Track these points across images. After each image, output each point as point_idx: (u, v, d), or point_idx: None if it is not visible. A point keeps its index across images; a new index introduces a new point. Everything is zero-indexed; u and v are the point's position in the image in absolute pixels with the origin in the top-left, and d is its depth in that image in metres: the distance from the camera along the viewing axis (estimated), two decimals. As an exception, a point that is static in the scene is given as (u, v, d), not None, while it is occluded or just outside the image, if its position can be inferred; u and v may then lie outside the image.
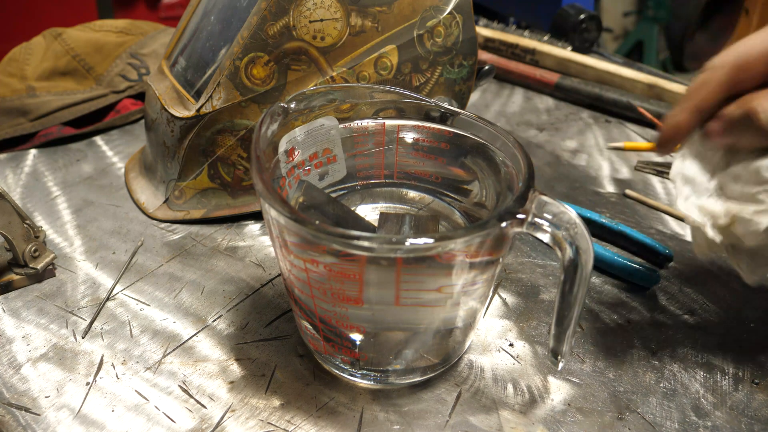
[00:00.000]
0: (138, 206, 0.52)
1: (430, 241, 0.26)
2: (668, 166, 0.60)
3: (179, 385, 0.36)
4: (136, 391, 0.35)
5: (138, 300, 0.42)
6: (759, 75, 0.32)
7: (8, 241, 0.41)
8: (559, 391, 0.36)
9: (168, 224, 0.50)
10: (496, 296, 0.43)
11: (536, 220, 0.29)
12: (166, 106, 0.49)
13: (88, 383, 0.36)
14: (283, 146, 0.35)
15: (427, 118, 0.38)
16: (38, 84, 0.62)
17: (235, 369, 0.37)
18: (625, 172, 0.60)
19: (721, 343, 0.40)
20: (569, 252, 0.29)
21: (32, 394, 0.35)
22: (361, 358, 0.33)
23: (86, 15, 1.44)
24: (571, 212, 0.29)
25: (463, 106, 0.53)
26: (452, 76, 0.51)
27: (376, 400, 0.35)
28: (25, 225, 0.42)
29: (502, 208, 0.29)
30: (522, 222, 0.29)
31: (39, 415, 0.34)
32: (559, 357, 0.34)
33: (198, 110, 0.47)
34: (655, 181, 0.59)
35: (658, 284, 0.44)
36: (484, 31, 0.86)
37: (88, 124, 0.63)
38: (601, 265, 0.45)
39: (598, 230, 0.49)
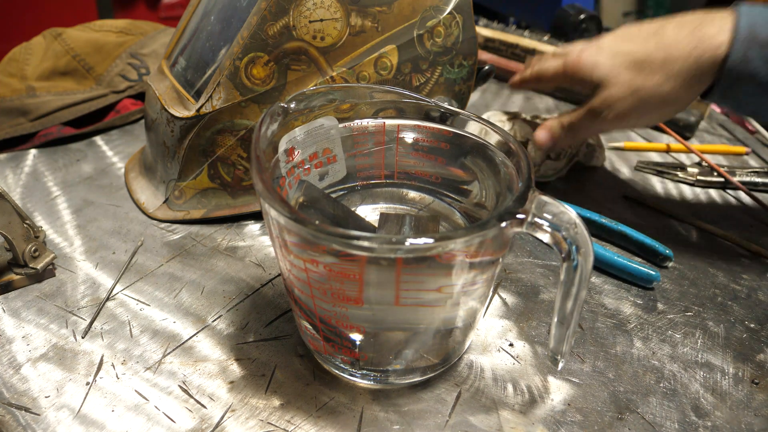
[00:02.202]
0: (138, 206, 0.52)
1: (430, 241, 0.26)
2: (669, 166, 0.60)
3: (179, 385, 0.36)
4: (136, 391, 0.35)
5: (138, 300, 0.42)
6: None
7: (8, 241, 0.41)
8: (559, 391, 0.36)
9: (168, 224, 0.50)
10: (496, 296, 0.43)
11: (536, 220, 0.29)
12: (166, 106, 0.49)
13: (88, 383, 0.36)
14: (283, 146, 0.35)
15: (427, 118, 0.38)
16: (38, 84, 0.62)
17: (235, 369, 0.37)
18: (625, 172, 0.60)
19: (721, 343, 0.40)
20: (569, 252, 0.29)
21: (32, 394, 0.35)
22: (361, 358, 0.33)
23: (86, 15, 1.44)
24: (571, 212, 0.29)
25: (463, 106, 0.53)
26: (452, 76, 0.51)
27: (376, 400, 0.35)
28: (25, 225, 0.42)
29: (502, 208, 0.29)
30: (522, 222, 0.29)
31: (39, 415, 0.34)
32: (559, 357, 0.34)
33: (198, 110, 0.47)
34: (655, 181, 0.59)
35: (658, 284, 0.44)
36: (484, 31, 0.86)
37: (88, 124, 0.63)
38: (601, 265, 0.45)
39: (598, 230, 0.49)
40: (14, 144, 0.60)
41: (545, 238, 0.29)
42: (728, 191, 0.58)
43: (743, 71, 0.40)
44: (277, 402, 0.35)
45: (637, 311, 0.42)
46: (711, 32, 0.41)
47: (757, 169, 0.59)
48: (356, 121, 0.39)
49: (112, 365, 0.37)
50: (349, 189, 0.41)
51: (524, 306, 0.42)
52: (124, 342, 0.38)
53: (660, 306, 0.43)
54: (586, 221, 0.29)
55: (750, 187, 0.57)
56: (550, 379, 0.37)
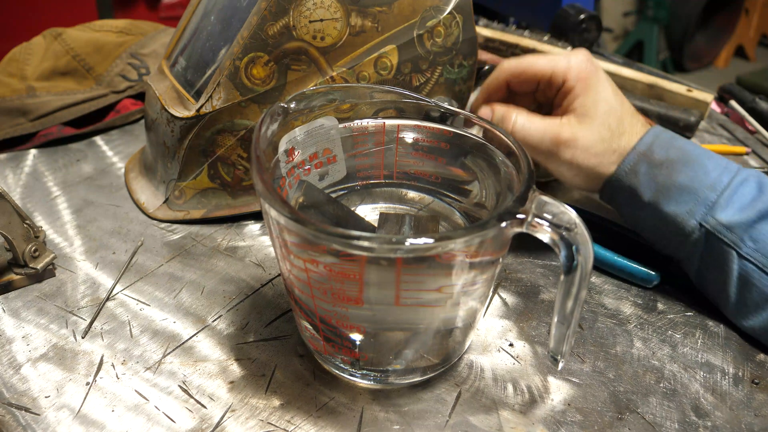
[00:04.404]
0: (138, 206, 0.52)
1: (430, 241, 0.26)
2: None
3: (179, 385, 0.36)
4: (136, 391, 0.35)
5: (138, 300, 0.42)
6: (526, 84, 0.45)
7: (8, 241, 0.41)
8: (559, 391, 0.36)
9: (168, 224, 0.50)
10: (496, 296, 0.43)
11: (536, 220, 0.29)
12: (166, 106, 0.49)
13: (88, 383, 0.36)
14: (283, 146, 0.35)
15: (427, 118, 0.38)
16: (38, 84, 0.62)
17: (235, 369, 0.37)
18: (625, 172, 0.60)
19: (721, 343, 0.40)
20: (569, 252, 0.29)
21: (32, 394, 0.35)
22: (361, 358, 0.33)
23: (86, 15, 1.44)
24: (571, 212, 0.29)
25: (463, 106, 0.53)
26: (452, 76, 0.51)
27: (376, 400, 0.35)
28: (25, 225, 0.42)
29: (502, 208, 0.29)
30: (522, 222, 0.29)
31: (39, 415, 0.34)
32: (559, 357, 0.34)
33: (198, 110, 0.47)
34: (655, 181, 0.59)
35: (658, 284, 0.44)
36: (484, 31, 0.86)
37: (88, 124, 0.63)
38: (601, 265, 0.45)
39: (597, 230, 0.49)
40: (14, 144, 0.60)
41: (545, 238, 0.29)
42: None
43: (626, 181, 0.42)
44: (277, 402, 0.35)
45: (637, 311, 0.42)
46: (628, 139, 0.42)
47: (757, 169, 0.59)
48: (356, 121, 0.39)
49: (112, 365, 0.37)
50: (349, 189, 0.41)
51: (524, 306, 0.42)
52: (124, 342, 0.38)
53: (660, 306, 0.43)
54: (586, 221, 0.29)
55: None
56: (550, 379, 0.37)
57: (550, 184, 0.57)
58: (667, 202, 0.40)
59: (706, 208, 0.39)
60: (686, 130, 0.66)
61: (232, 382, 0.36)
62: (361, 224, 0.38)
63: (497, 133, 0.35)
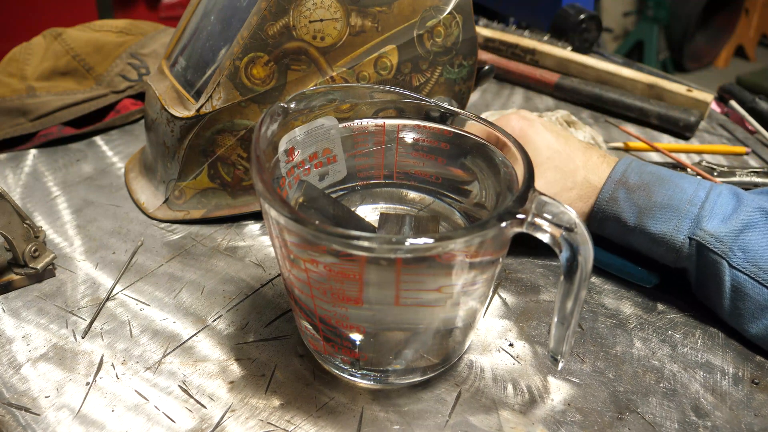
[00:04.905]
0: (138, 206, 0.52)
1: (430, 241, 0.26)
2: (668, 166, 0.60)
3: (179, 385, 0.36)
4: (136, 391, 0.35)
5: (138, 300, 0.42)
6: None
7: (8, 241, 0.41)
8: (559, 391, 0.36)
9: (168, 224, 0.50)
10: (496, 296, 0.43)
11: (536, 220, 0.29)
12: (166, 106, 0.49)
13: (88, 383, 0.36)
14: (283, 146, 0.35)
15: (427, 118, 0.38)
16: (38, 84, 0.62)
17: (235, 369, 0.37)
18: (625, 172, 0.60)
19: (721, 343, 0.40)
20: (569, 252, 0.29)
21: (32, 394, 0.35)
22: (361, 358, 0.33)
23: (86, 15, 1.44)
24: (571, 212, 0.29)
25: (463, 106, 0.53)
26: (452, 76, 0.51)
27: (376, 400, 0.35)
28: (25, 225, 0.42)
29: (502, 208, 0.29)
30: (522, 222, 0.29)
31: (39, 415, 0.34)
32: (559, 357, 0.34)
33: (198, 110, 0.47)
34: (655, 181, 0.59)
35: (658, 284, 0.44)
36: (484, 31, 0.86)
37: (88, 124, 0.63)
38: (601, 265, 0.45)
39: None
40: (14, 144, 0.60)
41: (545, 238, 0.29)
42: (728, 191, 0.57)
43: (609, 210, 0.43)
44: (277, 402, 0.35)
45: (637, 311, 0.42)
46: (595, 176, 0.44)
47: (757, 169, 0.59)
48: (356, 121, 0.39)
49: (112, 365, 0.37)
50: (349, 189, 0.41)
51: (524, 306, 0.42)
52: (124, 342, 0.38)
53: (660, 306, 0.43)
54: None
55: (749, 187, 0.57)
56: (550, 379, 0.37)
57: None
58: (653, 223, 0.41)
59: (692, 221, 0.40)
60: (686, 130, 0.66)
61: (232, 382, 0.36)
62: (361, 224, 0.38)
63: (498, 133, 0.35)
